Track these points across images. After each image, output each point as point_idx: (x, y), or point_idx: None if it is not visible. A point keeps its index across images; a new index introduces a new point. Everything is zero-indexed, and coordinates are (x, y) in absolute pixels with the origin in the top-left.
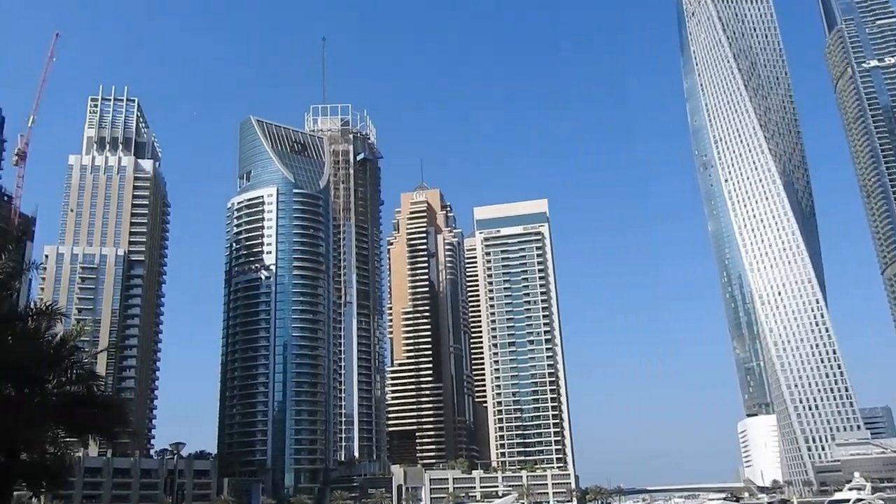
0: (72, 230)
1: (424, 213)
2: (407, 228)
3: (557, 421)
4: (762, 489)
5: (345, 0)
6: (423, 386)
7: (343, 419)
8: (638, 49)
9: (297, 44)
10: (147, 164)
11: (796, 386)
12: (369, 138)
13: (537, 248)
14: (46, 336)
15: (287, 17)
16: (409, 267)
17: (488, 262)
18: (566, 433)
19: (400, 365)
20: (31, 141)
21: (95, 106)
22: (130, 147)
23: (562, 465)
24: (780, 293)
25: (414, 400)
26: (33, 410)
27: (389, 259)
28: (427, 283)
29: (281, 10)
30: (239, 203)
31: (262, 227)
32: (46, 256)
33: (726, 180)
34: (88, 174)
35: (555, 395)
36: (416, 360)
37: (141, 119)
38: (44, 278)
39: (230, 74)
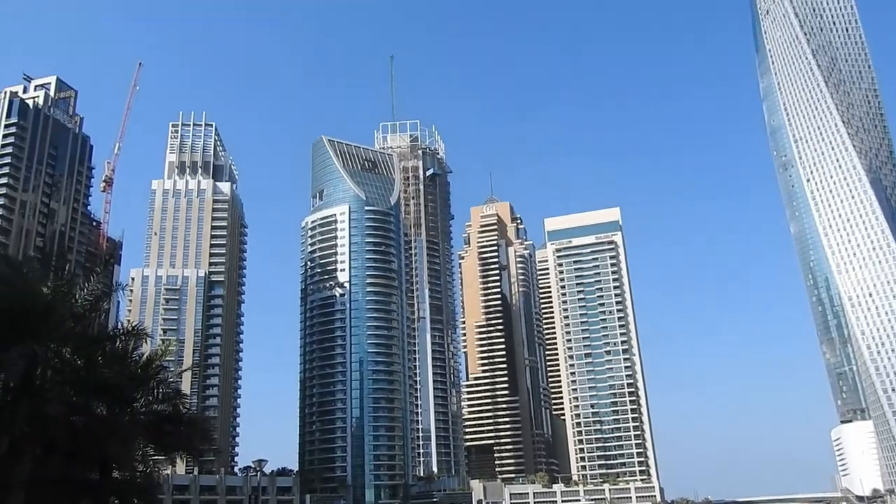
0: (156, 253)
1: (495, 226)
2: (478, 242)
3: (639, 432)
4: (861, 498)
5: (411, 16)
6: (499, 400)
7: (420, 434)
8: (710, 49)
9: (365, 63)
10: (225, 187)
11: (894, 390)
12: (438, 153)
13: (611, 258)
14: (134, 356)
15: (354, 36)
16: (481, 280)
17: (561, 272)
18: (648, 444)
19: (475, 379)
20: (117, 167)
21: (176, 132)
22: (209, 171)
23: (645, 477)
24: (871, 294)
25: (490, 414)
26: (124, 429)
27: (461, 273)
28: (499, 296)
29: (348, 30)
30: (312, 222)
31: (336, 245)
32: (132, 279)
33: (808, 180)
34: (170, 198)
35: (635, 406)
36: (492, 373)
37: (218, 143)
38: (130, 300)
39: (301, 95)
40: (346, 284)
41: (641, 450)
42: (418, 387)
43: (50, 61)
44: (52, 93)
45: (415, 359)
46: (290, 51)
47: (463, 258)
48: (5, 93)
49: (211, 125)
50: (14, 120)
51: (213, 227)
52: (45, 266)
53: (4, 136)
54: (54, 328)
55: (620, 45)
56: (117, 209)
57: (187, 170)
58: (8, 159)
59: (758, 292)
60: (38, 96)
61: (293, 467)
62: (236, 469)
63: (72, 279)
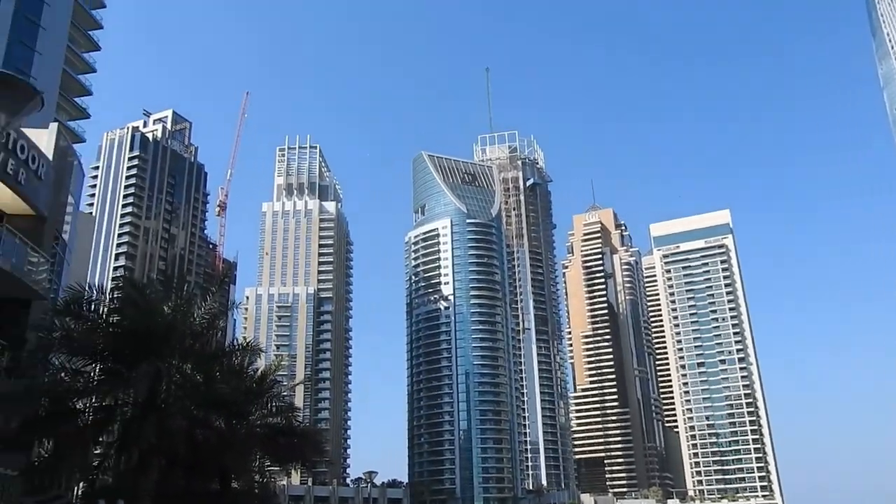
0: (268, 272)
1: (598, 234)
2: (581, 250)
3: (759, 445)
4: None
5: (504, 28)
6: (608, 411)
7: (528, 447)
8: (820, 40)
9: (460, 77)
10: (330, 206)
11: None
12: (538, 163)
13: (722, 262)
14: (249, 371)
15: (448, 51)
16: (586, 289)
17: (669, 279)
18: (770, 458)
19: (583, 390)
20: (230, 192)
21: (283, 155)
22: (315, 191)
23: (767, 493)
24: None
25: (600, 426)
26: (241, 441)
27: (565, 283)
28: (606, 305)
29: (441, 45)
30: (416, 237)
31: (439, 259)
32: (247, 297)
33: None
34: (280, 219)
35: (753, 419)
36: (600, 384)
37: (323, 164)
38: (246, 318)
39: (400, 113)
40: (451, 297)
41: (762, 464)
42: (525, 398)
43: (166, 94)
44: (168, 125)
45: (521, 370)
46: (386, 70)
47: (567, 267)
48: (128, 128)
49: (315, 147)
50: (137, 153)
51: (320, 246)
52: (167, 288)
53: (129, 168)
54: (175, 346)
55: (723, 45)
56: (231, 231)
57: (294, 191)
58: (132, 190)
59: (880, 298)
60: (156, 130)
61: (403, 479)
62: (348, 480)
63: (190, 299)
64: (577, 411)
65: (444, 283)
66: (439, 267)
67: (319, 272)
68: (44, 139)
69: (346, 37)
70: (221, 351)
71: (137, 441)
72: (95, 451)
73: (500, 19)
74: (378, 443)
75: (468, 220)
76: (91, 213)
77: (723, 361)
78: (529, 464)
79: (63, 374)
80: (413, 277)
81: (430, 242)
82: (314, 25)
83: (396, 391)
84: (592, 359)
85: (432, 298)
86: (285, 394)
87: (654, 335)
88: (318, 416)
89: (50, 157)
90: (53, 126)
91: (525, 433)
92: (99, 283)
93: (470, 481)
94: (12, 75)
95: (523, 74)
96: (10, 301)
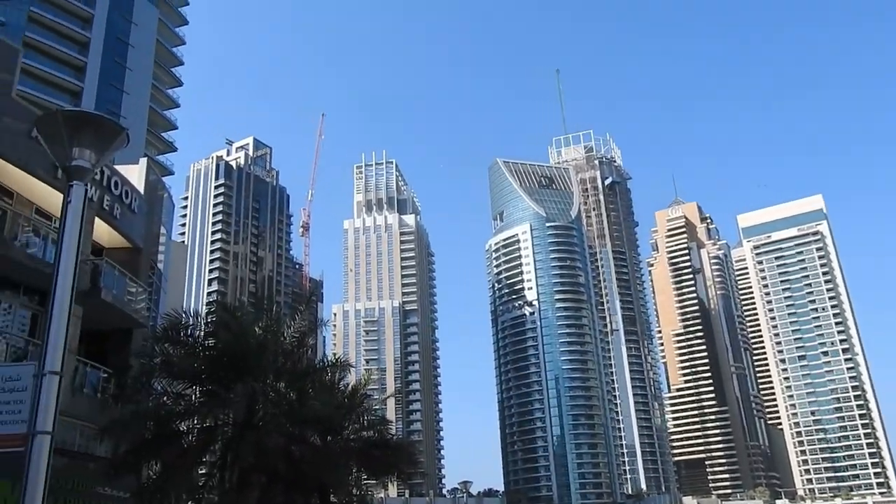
0: (353, 288)
1: (683, 229)
2: (666, 247)
3: (871, 440)
4: None
5: (570, 29)
6: (706, 411)
7: (625, 450)
8: None
9: (529, 81)
10: (410, 219)
11: None
12: (615, 161)
13: (817, 250)
14: (340, 386)
15: (514, 56)
16: (674, 287)
17: (761, 270)
18: (885, 452)
19: (678, 390)
20: (312, 212)
21: (360, 172)
22: (394, 205)
23: (884, 489)
24: None
25: (698, 426)
26: (337, 456)
27: (652, 281)
28: (696, 301)
29: (507, 50)
30: (496, 244)
31: (521, 265)
32: (335, 314)
33: None
34: (361, 235)
35: (864, 411)
36: (695, 383)
37: (400, 178)
38: (335, 334)
39: (472, 121)
40: (535, 302)
41: (876, 459)
42: (618, 401)
43: (244, 121)
44: (250, 152)
45: (611, 373)
46: (453, 80)
47: (652, 265)
48: (212, 158)
49: (392, 162)
50: (222, 181)
51: (402, 259)
52: (258, 309)
53: (215, 196)
54: (268, 366)
55: (806, 27)
56: (315, 250)
57: (374, 207)
58: (220, 216)
59: None
60: (239, 157)
61: (498, 487)
62: (444, 491)
63: (280, 319)
64: (673, 412)
65: (528, 289)
66: (522, 273)
67: (403, 285)
68: (135, 174)
69: (411, 49)
70: (312, 368)
71: (238, 460)
72: (200, 472)
73: (565, 19)
74: (471, 452)
75: (548, 224)
76: (183, 241)
77: (825, 353)
78: (627, 468)
79: (165, 399)
80: (496, 285)
81: (510, 249)
82: (380, 39)
83: (486, 399)
84: (685, 357)
85: (517, 304)
86: (377, 407)
87: (749, 330)
88: (410, 428)
89: (141, 190)
90: (143, 161)
91: (620, 436)
92: (194, 309)
93: (567, 487)
94: (98, 115)
95: (593, 72)
96: (114, 331)
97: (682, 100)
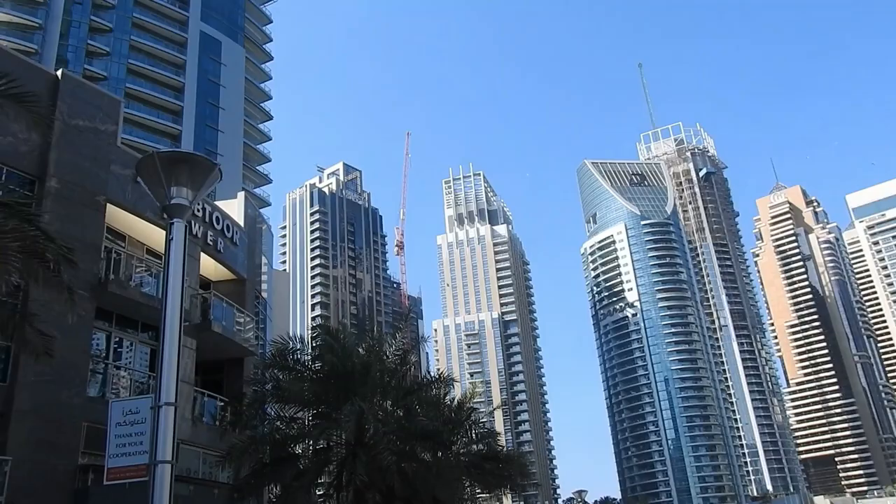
0: (451, 302)
1: (788, 215)
2: (772, 235)
3: None
4: None
5: (648, 20)
6: (830, 404)
7: (745, 450)
8: None
9: (609, 78)
10: (502, 230)
11: None
12: (708, 151)
13: None
14: (446, 401)
15: (593, 54)
16: (783, 276)
17: (878, 251)
18: None
19: (798, 384)
20: (405, 230)
21: (449, 187)
22: (485, 217)
23: None
24: None
25: (824, 421)
26: (449, 471)
27: (759, 272)
28: (808, 289)
29: (585, 50)
30: (591, 247)
31: (619, 266)
32: (435, 330)
33: None
34: (455, 249)
35: None
36: (816, 376)
37: (489, 189)
38: (437, 350)
39: (555, 125)
40: (637, 303)
41: None
42: (733, 399)
43: (333, 146)
44: (341, 177)
45: (724, 370)
46: (530, 87)
47: (758, 255)
48: (306, 186)
49: (479, 174)
50: (317, 207)
51: (497, 270)
52: (360, 330)
53: (312, 223)
54: (373, 385)
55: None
56: (411, 268)
57: (465, 220)
58: (318, 242)
59: None
60: (330, 183)
61: (613, 494)
62: (560, 501)
63: (381, 338)
64: (795, 408)
65: (628, 290)
66: (620, 274)
67: (501, 296)
68: (234, 208)
69: (484, 59)
70: (417, 385)
71: (352, 479)
72: (318, 492)
73: (639, 10)
74: (583, 459)
75: (643, 222)
76: (285, 269)
77: None
78: (749, 468)
79: (279, 423)
80: (594, 288)
81: (606, 251)
82: (453, 55)
83: (594, 404)
84: (803, 349)
85: (618, 307)
86: (484, 420)
87: (870, 315)
88: (520, 439)
89: (242, 223)
90: (241, 195)
91: (739, 436)
92: (300, 334)
93: (687, 492)
94: (191, 153)
95: (676, 63)
96: (227, 360)
97: (772, 83)
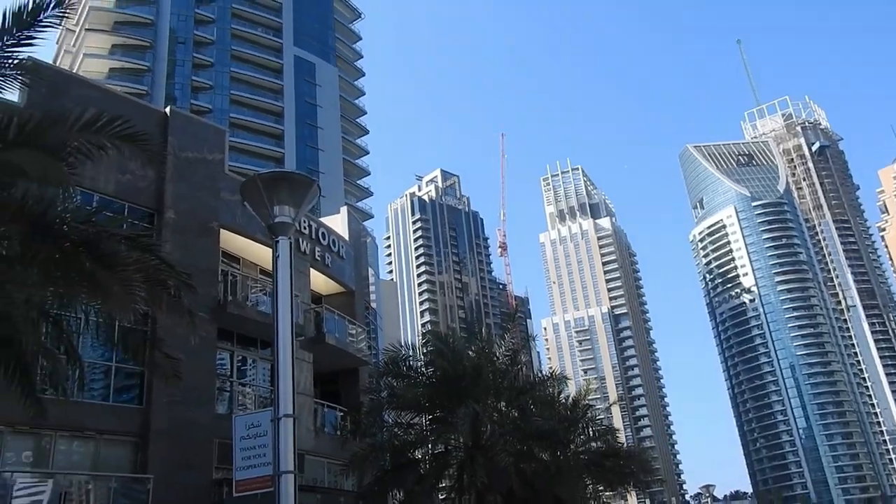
0: (559, 300)
1: None
2: None
3: None
4: None
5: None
6: None
7: (886, 437)
8: None
9: (707, 58)
10: (605, 223)
11: None
12: (820, 124)
13: None
14: (560, 399)
15: (685, 35)
16: None
17: None
18: None
19: None
20: (507, 231)
21: (548, 184)
22: (586, 211)
23: None
24: None
25: None
26: (568, 469)
27: (886, 246)
28: None
29: (677, 30)
30: (700, 233)
31: (731, 251)
32: (545, 328)
33: None
34: (559, 246)
35: None
36: None
37: (588, 182)
38: (548, 348)
39: (650, 110)
40: (754, 288)
41: None
42: (868, 384)
43: (428, 153)
44: (439, 183)
45: (855, 353)
46: (625, 75)
47: (884, 230)
48: (406, 195)
49: (577, 168)
50: (418, 216)
51: (603, 264)
52: (469, 333)
53: (414, 231)
54: (485, 386)
55: None
56: (515, 268)
57: (567, 216)
58: (421, 250)
59: None
60: (430, 190)
61: (742, 487)
62: (687, 497)
63: (490, 340)
64: None
65: (743, 275)
66: (733, 259)
67: (609, 290)
68: (339, 223)
69: (578, 52)
70: (529, 384)
71: (472, 482)
72: (440, 497)
73: None
74: (708, 453)
75: (754, 204)
76: (392, 279)
77: None
78: (892, 456)
79: (397, 430)
80: (707, 276)
81: (717, 236)
82: (545, 47)
83: (715, 396)
84: None
85: (733, 293)
86: (601, 417)
87: None
88: (640, 435)
89: (346, 237)
90: (343, 210)
91: (878, 422)
92: (411, 341)
93: (824, 483)
94: (290, 172)
95: (775, 36)
96: (343, 371)
97: (881, 46)
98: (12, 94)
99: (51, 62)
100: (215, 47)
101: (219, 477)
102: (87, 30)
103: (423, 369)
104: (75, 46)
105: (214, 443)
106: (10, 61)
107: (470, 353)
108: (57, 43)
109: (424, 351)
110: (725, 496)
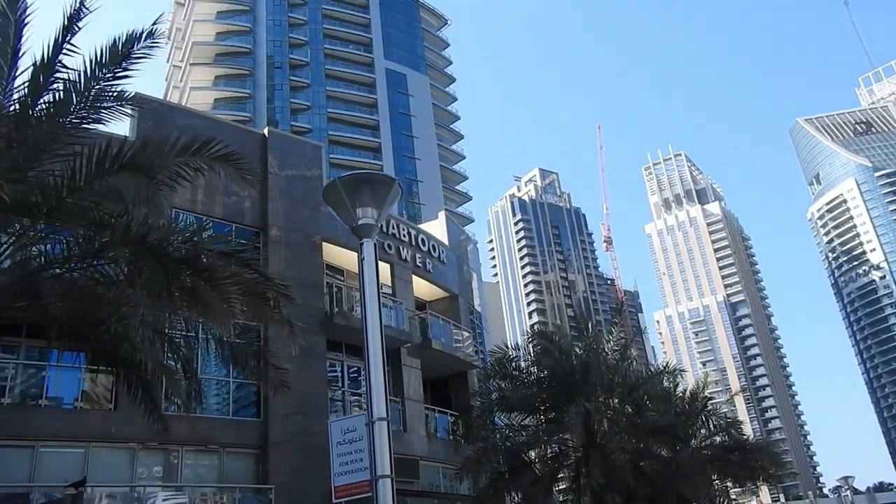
0: (670, 291)
1: None
2: None
3: None
4: None
5: None
6: None
7: None
8: None
9: (811, 24)
10: (713, 208)
11: None
12: None
13: None
14: (677, 393)
15: (790, 7)
16: None
17: None
18: None
19: None
20: (611, 225)
21: (650, 173)
22: (693, 198)
23: None
24: None
25: None
26: (689, 465)
27: None
28: None
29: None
30: (818, 210)
31: (854, 226)
32: (657, 322)
33: None
34: (666, 236)
35: None
36: None
37: (693, 168)
38: (662, 342)
39: (753, 88)
40: (883, 265)
41: None
42: None
43: (524, 150)
44: (538, 182)
45: None
46: (723, 53)
47: None
48: (506, 197)
49: (680, 154)
50: (519, 216)
51: (715, 251)
52: (579, 331)
53: (517, 232)
54: (595, 383)
55: None
56: (623, 261)
57: (672, 205)
58: (525, 251)
59: None
60: (529, 190)
61: (885, 479)
62: (825, 490)
63: (597, 335)
64: None
65: (871, 251)
66: (858, 235)
67: (723, 277)
68: (438, 228)
69: (670, 35)
70: (641, 379)
71: (588, 482)
72: (560, 500)
73: None
74: (843, 443)
75: (877, 174)
76: (497, 282)
77: None
78: None
79: (508, 431)
80: (829, 254)
81: (837, 212)
82: (635, 33)
83: (848, 381)
84: None
85: (861, 272)
86: (725, 410)
87: None
88: (768, 427)
89: (446, 242)
90: (441, 214)
91: None
92: (520, 342)
93: None
94: (369, 173)
95: None
96: (452, 376)
97: None
98: (123, 128)
99: (161, 97)
100: (310, 68)
101: None
102: (191, 64)
103: (531, 369)
104: (182, 81)
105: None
106: (110, 94)
107: (577, 349)
108: (166, 80)
109: (530, 350)
110: (868, 488)
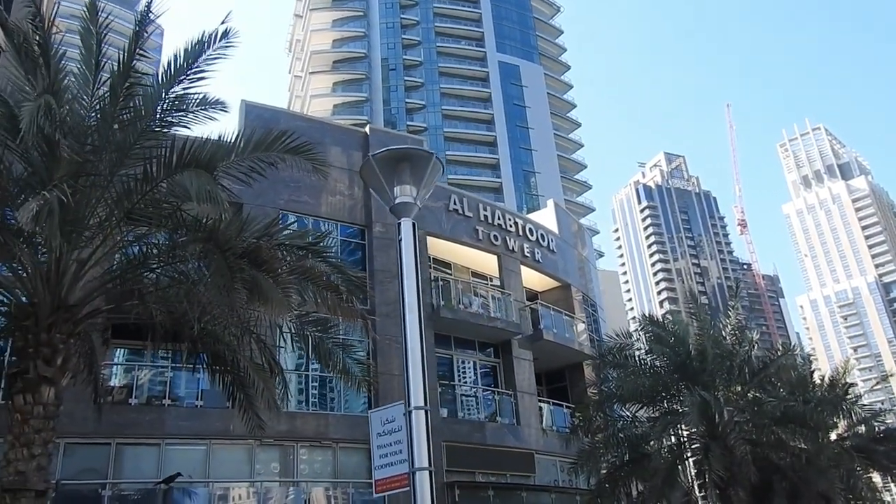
0: (814, 274)
1: None
2: None
3: None
4: None
5: None
6: None
7: None
8: None
9: None
10: (859, 182)
11: None
12: None
13: None
14: (814, 379)
15: None
16: None
17: None
18: None
19: None
20: (744, 207)
21: (786, 150)
22: (835, 173)
23: None
24: None
25: None
26: (825, 458)
27: None
28: None
29: None
30: None
31: None
32: (801, 307)
33: None
34: (807, 216)
35: None
36: None
37: (833, 141)
38: (807, 328)
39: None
40: None
41: None
42: None
43: (648, 139)
44: (664, 167)
45: None
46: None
47: None
48: (630, 184)
49: (819, 127)
50: (645, 203)
51: (863, 228)
52: (699, 318)
53: (643, 219)
54: (711, 370)
55: None
56: (759, 245)
57: (812, 182)
58: (652, 238)
59: None
60: (655, 176)
61: None
62: None
63: (711, 320)
64: None
65: None
66: None
67: (873, 256)
68: (547, 217)
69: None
70: (763, 363)
71: (709, 474)
72: (680, 493)
73: None
74: None
75: None
76: (618, 270)
77: None
78: None
79: (624, 423)
80: None
81: None
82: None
83: None
84: None
85: None
86: (882, 399)
87: None
88: None
89: (556, 231)
90: (550, 203)
91: None
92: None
93: None
94: (406, 148)
95: None
96: (567, 367)
97: None
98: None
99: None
100: (423, 67)
101: (451, 480)
102: (310, 73)
103: (644, 358)
104: (303, 90)
105: (442, 446)
106: (192, 98)
107: (693, 335)
108: (288, 90)
109: (643, 339)
110: None
